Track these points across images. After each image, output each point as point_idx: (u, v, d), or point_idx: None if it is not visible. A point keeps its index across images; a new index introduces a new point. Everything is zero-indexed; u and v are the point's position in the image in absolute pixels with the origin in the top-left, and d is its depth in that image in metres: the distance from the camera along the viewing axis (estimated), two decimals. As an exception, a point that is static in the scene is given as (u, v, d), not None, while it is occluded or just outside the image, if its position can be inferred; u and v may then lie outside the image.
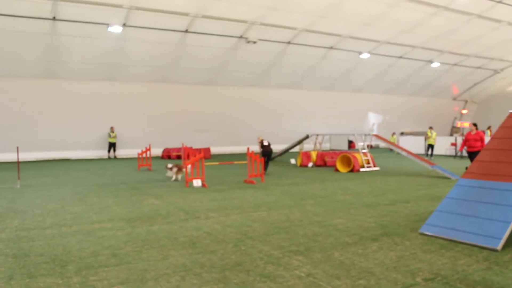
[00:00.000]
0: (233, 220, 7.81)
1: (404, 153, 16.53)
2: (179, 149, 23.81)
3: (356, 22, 23.10)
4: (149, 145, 18.61)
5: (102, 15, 19.33)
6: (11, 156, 19.98)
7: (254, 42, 23.37)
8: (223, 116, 28.12)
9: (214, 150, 26.81)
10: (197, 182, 12.44)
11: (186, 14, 20.36)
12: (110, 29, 20.25)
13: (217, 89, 27.86)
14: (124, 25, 20.24)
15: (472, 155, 13.90)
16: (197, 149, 20.10)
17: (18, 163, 14.28)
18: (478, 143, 13.82)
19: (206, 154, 23.59)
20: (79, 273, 5.03)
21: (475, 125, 14.24)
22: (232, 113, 28.41)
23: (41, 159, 23.63)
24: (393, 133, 24.79)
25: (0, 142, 20.70)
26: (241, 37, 23.20)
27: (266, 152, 16.03)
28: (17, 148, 14.29)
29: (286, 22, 22.36)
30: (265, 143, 16.22)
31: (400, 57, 29.02)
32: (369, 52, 27.38)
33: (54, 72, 22.76)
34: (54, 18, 19.00)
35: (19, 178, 13.74)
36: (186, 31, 21.78)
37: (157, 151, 24.94)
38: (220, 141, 28.30)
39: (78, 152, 24.70)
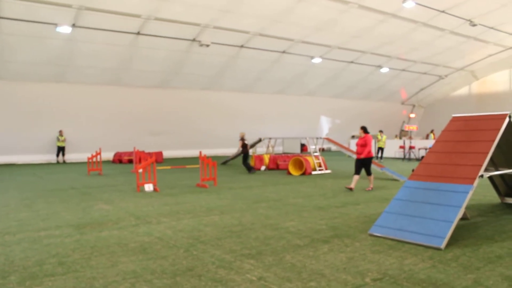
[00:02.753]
0: (185, 224, 7.74)
1: (354, 156, 16.88)
2: (130, 153, 23.38)
3: (308, 27, 23.47)
4: (100, 149, 18.17)
5: (50, 15, 18.70)
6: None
7: (207, 45, 23.31)
8: (176, 119, 27.88)
9: (167, 154, 26.51)
10: (148, 187, 12.26)
11: (138, 16, 20.05)
12: (59, 29, 19.64)
13: (170, 92, 27.60)
14: (73, 25, 19.69)
15: (359, 163, 12.08)
16: (148, 153, 19.83)
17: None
18: (364, 149, 11.93)
19: (158, 158, 23.29)
20: (22, 283, 4.85)
21: (362, 128, 12.31)
22: (185, 116, 28.21)
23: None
24: (381, 131, 24.84)
25: None
26: (194, 40, 23.09)
27: (247, 152, 16.51)
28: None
29: (239, 26, 22.45)
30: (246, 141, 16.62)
31: (351, 62, 29.72)
32: (320, 57, 27.88)
33: (0, 72, 21.83)
34: (-2, 17, 18.25)
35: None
36: (138, 33, 21.45)
37: (108, 155, 24.41)
38: (173, 145, 28.03)
39: (25, 157, 23.82)
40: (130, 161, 23.16)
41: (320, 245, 6.25)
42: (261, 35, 23.74)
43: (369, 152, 12.01)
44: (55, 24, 19.40)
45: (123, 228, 7.47)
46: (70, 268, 5.35)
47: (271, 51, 25.94)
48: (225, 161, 22.66)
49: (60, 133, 24.40)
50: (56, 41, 20.71)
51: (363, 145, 12.05)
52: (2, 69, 21.65)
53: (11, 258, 5.81)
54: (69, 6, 18.36)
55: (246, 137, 18.05)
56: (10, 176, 17.16)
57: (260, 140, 21.26)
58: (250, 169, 17.71)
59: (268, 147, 22.10)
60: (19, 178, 16.24)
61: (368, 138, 12.09)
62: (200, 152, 13.65)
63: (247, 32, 23.35)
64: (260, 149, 24.20)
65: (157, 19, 20.45)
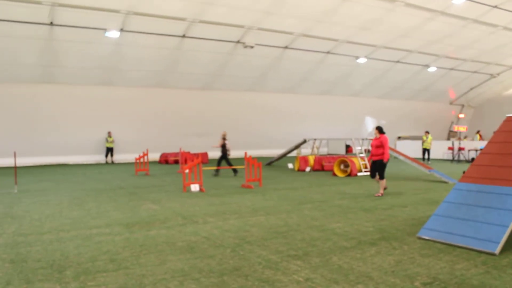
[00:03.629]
0: (231, 224, 7.80)
1: (401, 158, 16.54)
2: (176, 154, 23.80)
3: (353, 26, 23.20)
4: (147, 150, 18.60)
5: (100, 20, 19.35)
6: (8, 161, 19.93)
7: (252, 47, 23.43)
8: (220, 120, 28.09)
9: (212, 154, 26.77)
10: (195, 187, 12.43)
11: (183, 19, 20.40)
12: (108, 34, 20.26)
13: (215, 94, 27.89)
14: (121, 30, 20.27)
15: (374, 165, 11.47)
16: (194, 154, 20.10)
17: (15, 168, 14.24)
18: (380, 150, 11.30)
19: (203, 159, 23.58)
20: (77, 278, 5.02)
21: (378, 128, 11.70)
22: (229, 117, 28.41)
23: (39, 164, 23.58)
24: (427, 132, 24.22)
25: (8, 146, 20.64)
26: (238, 42, 23.26)
27: (225, 153, 16.57)
28: (14, 153, 14.27)
29: (283, 27, 22.44)
30: (227, 142, 16.60)
31: (397, 61, 29.13)
32: (366, 57, 27.48)
33: (52, 76, 22.76)
34: (51, 23, 19.01)
35: (16, 183, 13.71)
36: (184, 36, 21.81)
37: (154, 156, 24.93)
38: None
39: (76, 157, 24.65)
40: (176, 162, 23.56)
41: (367, 247, 6.16)
42: (305, 35, 23.64)
43: (385, 154, 11.18)
44: (104, 29, 20.03)
45: (171, 228, 7.61)
46: (120, 265, 5.50)
47: (315, 51, 25.78)
48: (270, 162, 22.69)
49: (109, 134, 25.13)
50: (105, 45, 21.38)
51: (378, 146, 11.35)
52: (54, 73, 22.55)
53: (66, 254, 6.03)
54: (117, 11, 18.93)
55: (227, 136, 17.77)
56: (63, 176, 17.81)
57: (304, 141, 21.17)
58: (217, 171, 17.21)
59: (313, 148, 21.97)
60: (70, 178, 16.84)
61: (384, 138, 11.36)
62: (246, 153, 13.73)
63: (291, 33, 23.31)
64: (304, 150, 24.11)
65: (201, 21, 20.73)
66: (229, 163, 16.93)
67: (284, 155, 22.94)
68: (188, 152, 20.05)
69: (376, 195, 11.26)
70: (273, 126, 29.89)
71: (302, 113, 31.09)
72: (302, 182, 14.75)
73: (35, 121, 23.09)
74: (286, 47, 24.85)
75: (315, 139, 21.68)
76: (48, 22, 18.89)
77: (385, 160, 11.22)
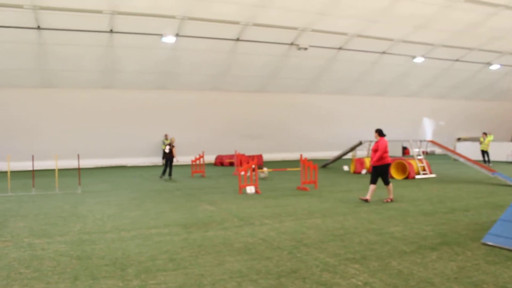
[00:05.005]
0: (288, 227, 7.81)
1: (462, 160, 15.96)
2: (231, 156, 24.06)
3: (409, 25, 22.61)
4: (203, 152, 18.93)
5: (156, 26, 19.94)
6: (72, 163, 20.87)
7: (305, 49, 23.34)
8: (274, 123, 28.21)
9: (266, 157, 26.91)
10: (250, 189, 12.53)
11: (237, 23, 20.64)
12: (164, 39, 20.83)
13: (269, 96, 28.00)
14: (177, 35, 20.77)
15: (375, 171, 10.68)
16: (250, 156, 20.26)
17: (79, 170, 14.89)
18: (378, 154, 10.54)
19: (258, 161, 23.70)
20: (138, 276, 5.20)
21: (377, 131, 10.98)
22: (283, 120, 28.45)
23: (99, 166, 24.52)
24: (484, 133, 23.26)
25: (63, 149, 21.65)
26: (292, 44, 23.25)
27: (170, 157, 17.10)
28: (78, 155, 14.93)
29: (337, 28, 22.21)
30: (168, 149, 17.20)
31: (456, 60, 28.10)
32: (423, 56, 26.71)
33: (111, 82, 23.68)
34: (111, 31, 19.78)
35: (79, 184, 14.34)
36: (237, 39, 22.06)
37: (210, 158, 25.32)
38: (272, 148, 28.37)
39: (133, 159, 25.47)
40: (231, 164, 23.82)
41: (428, 252, 5.99)
42: (359, 36, 23.30)
43: (382, 158, 10.48)
44: (161, 35, 20.62)
45: (227, 229, 7.71)
46: (180, 264, 5.63)
47: (370, 52, 25.35)
48: (325, 164, 22.51)
49: (165, 137, 25.77)
50: (161, 50, 21.98)
51: (375, 150, 10.69)
52: (113, 78, 23.46)
53: (127, 252, 6.25)
54: (173, 17, 19.43)
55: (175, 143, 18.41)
56: (122, 177, 18.45)
57: (360, 143, 20.83)
58: (163, 173, 17.61)
59: (368, 150, 21.58)
60: (129, 179, 17.42)
61: (381, 142, 10.65)
62: (301, 155, 13.70)
63: (345, 34, 23.04)
64: (360, 152, 23.72)
65: (255, 24, 20.89)
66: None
67: (339, 157, 22.67)
68: (243, 154, 20.21)
69: (385, 200, 10.69)
70: (327, 128, 29.64)
71: (357, 114, 30.62)
72: (358, 184, 14.53)
73: (96, 125, 24.07)
74: (340, 48, 24.59)
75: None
76: (108, 29, 19.67)
77: (371, 163, 10.64)
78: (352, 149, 21.56)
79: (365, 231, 7.34)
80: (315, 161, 14.87)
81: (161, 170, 21.71)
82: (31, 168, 16.72)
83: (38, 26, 18.76)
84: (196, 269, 5.42)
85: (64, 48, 20.25)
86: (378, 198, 11.02)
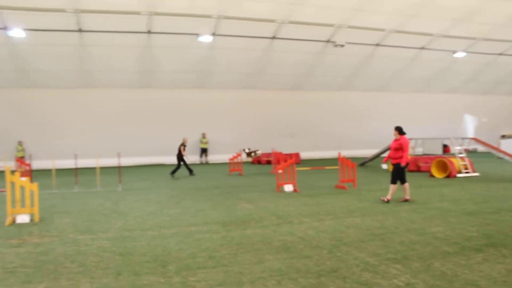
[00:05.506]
0: (327, 225, 7.76)
1: (507, 158, 15.43)
2: (269, 154, 24.10)
3: (449, 19, 22.00)
4: (240, 151, 19.01)
5: (193, 26, 20.15)
6: (112, 161, 21.34)
7: (342, 46, 23.08)
8: (311, 121, 28.06)
9: (304, 155, 26.79)
10: (288, 187, 12.52)
11: (272, 21, 20.64)
12: (200, 38, 21.04)
13: (305, 94, 27.87)
14: (213, 34, 20.93)
15: (394, 169, 10.50)
16: (287, 154, 20.23)
17: (119, 168, 15.22)
18: (399, 153, 10.38)
19: (296, 159, 23.62)
20: (179, 273, 5.27)
21: (397, 129, 10.68)
22: (320, 117, 28.25)
23: (138, 164, 25.00)
24: None
25: (104, 148, 22.19)
26: (328, 41, 23.06)
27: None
28: (119, 154, 15.27)
29: (374, 24, 21.88)
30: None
31: (500, 54, 27.17)
32: (464, 51, 25.96)
33: (149, 81, 24.10)
34: (149, 32, 20.13)
35: (120, 182, 14.67)
36: (273, 37, 22.05)
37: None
38: (309, 146, 28.23)
39: (171, 157, 25.77)
40: (268, 162, 23.85)
41: (473, 253, 5.81)
42: (397, 31, 22.88)
43: (404, 157, 10.24)
44: (197, 34, 20.83)
45: (266, 227, 7.72)
46: (219, 262, 5.68)
47: (409, 48, 24.85)
48: (363, 163, 22.24)
49: (203, 135, 26.05)
50: (198, 50, 22.21)
51: (397, 148, 10.43)
52: (151, 78, 23.87)
53: (168, 249, 6.35)
54: (209, 16, 19.61)
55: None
56: (161, 175, 18.76)
57: (398, 141, 20.44)
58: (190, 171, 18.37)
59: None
60: (168, 178, 17.69)
61: (404, 140, 10.39)
62: (339, 153, 13.57)
63: (382, 30, 22.68)
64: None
65: (291, 22, 20.83)
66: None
67: (377, 156, 22.34)
68: (280, 153, 20.20)
69: (401, 200, 10.41)
70: (365, 126, 29.24)
71: (395, 111, 30.00)
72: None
73: (135, 124, 24.54)
74: (377, 45, 24.22)
75: (410, 139, 20.86)
76: (146, 30, 20.02)
77: (402, 164, 10.31)
78: (391, 147, 21.20)
79: (406, 231, 7.20)
80: (353, 159, 14.68)
81: (198, 167, 21.95)
82: (73, 166, 17.25)
83: (80, 29, 19.29)
84: (236, 267, 5.45)
85: (104, 49, 20.77)
86: (399, 197, 10.79)
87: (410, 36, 23.51)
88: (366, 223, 7.88)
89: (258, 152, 20.72)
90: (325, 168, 18.19)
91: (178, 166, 17.92)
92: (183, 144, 18.15)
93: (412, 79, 28.88)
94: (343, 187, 12.96)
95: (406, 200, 10.33)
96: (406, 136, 10.61)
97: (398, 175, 10.41)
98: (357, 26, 21.88)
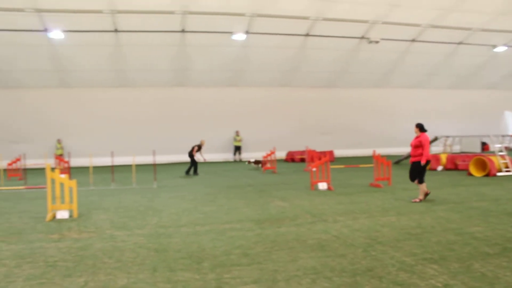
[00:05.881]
0: (361, 224, 7.67)
1: (549, 155, 14.87)
2: (302, 152, 24.00)
3: (488, 12, 21.34)
4: (274, 148, 19.01)
5: (226, 24, 20.28)
6: (147, 159, 21.68)
7: (377, 42, 22.75)
8: (345, 118, 27.77)
9: (337, 153, 26.54)
10: (322, 185, 12.44)
11: (306, 18, 20.53)
12: (234, 37, 21.12)
13: (339, 92, 27.60)
14: (246, 32, 20.98)
15: (412, 167, 10.27)
16: (321, 152, 20.10)
17: (154, 165, 15.45)
18: (419, 151, 10.08)
19: (330, 157, 23.46)
20: (213, 270, 5.31)
21: (418, 126, 10.43)
22: (354, 115, 27.94)
23: (172, 162, 25.30)
24: None
25: (139, 146, 22.59)
26: (362, 37, 22.77)
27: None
28: (153, 151, 15.50)
29: (410, 19, 21.47)
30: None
31: (543, 48, 26.23)
32: (505, 45, 25.13)
33: (183, 80, 24.37)
34: (183, 30, 20.35)
35: (155, 179, 14.89)
36: (307, 34, 21.94)
37: (281, 154, 25.37)
38: (343, 144, 27.92)
39: (206, 155, 26.01)
40: (302, 160, 23.76)
41: (515, 255, 5.63)
42: (434, 26, 22.37)
43: (424, 155, 9.96)
44: (231, 33, 20.92)
45: (300, 225, 7.70)
46: (253, 260, 5.69)
47: (446, 43, 24.27)
48: (398, 161, 21.85)
49: (237, 133, 26.17)
50: (232, 48, 22.31)
51: (417, 146, 10.15)
52: (184, 77, 24.15)
53: (202, 246, 6.42)
54: (242, 14, 19.67)
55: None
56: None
57: (436, 139, 20.02)
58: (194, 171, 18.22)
59: (444, 145, 20.71)
60: (202, 175, 17.85)
61: (424, 138, 10.10)
62: (374, 151, 13.40)
63: (418, 25, 22.23)
64: (435, 148, 22.78)
65: (325, 19, 20.68)
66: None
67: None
68: (314, 150, 20.08)
69: (413, 200, 10.09)
70: (400, 123, 28.67)
71: (431, 108, 29.33)
72: (434, 181, 13.95)
73: (169, 122, 24.86)
74: (413, 40, 23.75)
75: (447, 136, 20.41)
76: (180, 29, 20.25)
77: (422, 162, 9.99)
78: (427, 144, 20.74)
79: (443, 231, 7.04)
80: (388, 157, 14.48)
81: (231, 165, 22.09)
82: (110, 164, 17.62)
83: (116, 29, 19.69)
84: (270, 265, 5.45)
85: (138, 48, 21.13)
86: (434, 197, 10.54)
87: (447, 31, 22.95)
88: (401, 222, 7.75)
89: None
90: (360, 166, 17.96)
91: (193, 163, 17.99)
92: (198, 145, 18.18)
93: (449, 75, 28.18)
94: (378, 186, 12.78)
95: (420, 200, 10.08)
96: (427, 133, 10.38)
97: (417, 173, 10.18)
98: (392, 22, 21.52)
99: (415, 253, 5.80)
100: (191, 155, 18.00)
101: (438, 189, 12.11)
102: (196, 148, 18.09)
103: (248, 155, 26.52)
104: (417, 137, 10.32)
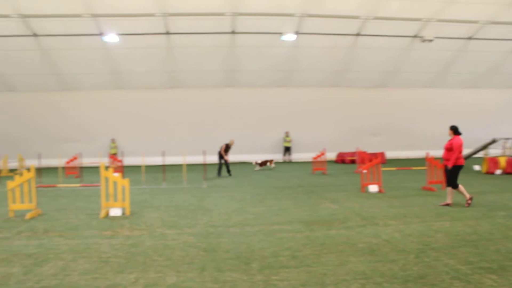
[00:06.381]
0: (413, 229, 7.45)
1: None
2: (353, 154, 23.66)
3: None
4: (324, 149, 18.85)
5: (276, 25, 20.26)
6: (197, 159, 22.01)
7: (430, 41, 22.02)
8: (397, 119, 27.07)
9: (389, 154, 25.97)
10: (373, 188, 12.20)
11: (357, 17, 20.21)
12: (283, 37, 21.09)
13: (390, 92, 26.93)
14: (296, 32, 20.89)
15: (446, 171, 9.99)
16: (372, 154, 19.74)
17: (204, 165, 15.65)
18: (450, 154, 9.76)
19: (381, 158, 22.95)
20: (261, 271, 5.31)
21: (452, 128, 10.07)
22: (406, 116, 27.17)
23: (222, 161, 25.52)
24: None
25: (189, 146, 22.94)
26: (415, 36, 22.14)
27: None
28: (204, 151, 15.72)
29: (466, 16, 20.62)
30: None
31: None
32: None
33: (233, 80, 24.56)
34: (233, 32, 20.52)
35: (205, 178, 15.08)
36: (357, 34, 21.57)
37: (331, 155, 25.11)
38: (395, 146, 27.25)
39: (255, 156, 26.13)
40: (353, 162, 23.42)
41: None
42: (492, 23, 21.40)
43: (452, 158, 9.64)
44: (280, 33, 20.89)
45: (350, 228, 7.57)
46: (302, 262, 5.65)
47: (506, 40, 23.12)
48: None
49: (287, 134, 26.11)
50: (281, 49, 22.27)
51: (448, 149, 9.84)
52: (234, 78, 24.31)
53: (251, 247, 6.43)
54: (292, 15, 19.60)
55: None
56: (244, 173, 19.04)
57: (494, 141, 19.17)
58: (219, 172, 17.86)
59: (504, 148, 19.81)
60: (251, 175, 17.93)
61: (456, 140, 9.78)
62: (427, 153, 13.01)
63: (475, 22, 21.35)
64: (493, 151, 21.85)
65: (376, 18, 20.26)
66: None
67: (469, 156, 21.10)
68: (365, 152, 19.73)
69: (441, 204, 9.75)
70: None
71: (489, 109, 28.07)
72: (492, 186, 13.37)
73: (219, 123, 25.12)
74: (469, 38, 22.83)
75: (506, 139, 19.50)
76: (230, 31, 20.44)
77: (449, 166, 9.63)
78: (484, 147, 19.93)
79: (503, 239, 6.70)
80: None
81: (281, 166, 22.07)
82: (161, 163, 18.01)
83: (167, 31, 20.12)
84: (319, 268, 5.40)
85: (189, 50, 21.49)
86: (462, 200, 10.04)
87: (508, 27, 21.87)
88: (456, 228, 7.46)
89: (272, 165, 20.51)
90: (412, 168, 17.48)
91: (225, 164, 17.82)
92: (227, 144, 17.91)
93: (509, 74, 26.88)
94: (431, 189, 12.38)
95: (448, 205, 9.71)
96: (461, 136, 10.00)
97: (447, 177, 9.90)
98: (447, 19, 20.78)
99: (471, 261, 5.56)
100: (221, 154, 17.79)
101: (497, 194, 11.60)
102: (224, 146, 17.79)
103: (298, 156, 26.45)
104: (450, 140, 10.00)
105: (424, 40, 22.08)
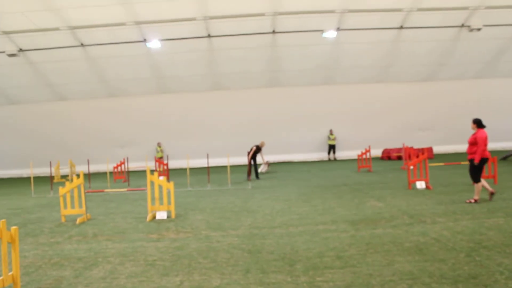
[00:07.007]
0: (464, 226, 7.18)
1: None
2: (399, 150, 23.14)
3: None
4: (369, 146, 18.54)
5: (317, 22, 20.07)
6: (241, 160, 22.10)
7: (478, 30, 21.20)
8: (445, 112, 26.23)
9: (437, 149, 25.23)
10: (420, 184, 11.88)
11: (399, 10, 19.71)
12: (325, 34, 20.87)
13: (437, 85, 26.11)
14: (337, 29, 20.63)
15: (470, 166, 9.63)
16: (419, 149, 19.23)
17: (249, 166, 15.67)
18: (474, 148, 9.42)
19: (429, 154, 22.35)
20: (306, 272, 5.27)
21: (475, 122, 9.60)
22: (454, 109, 26.27)
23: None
24: None
25: (234, 147, 23.08)
26: (462, 25, 21.37)
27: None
28: (248, 153, 15.76)
29: (517, 1, 19.76)
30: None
31: None
32: None
33: (276, 80, 24.53)
34: (273, 32, 20.52)
35: (249, 180, 15.12)
36: (401, 27, 21.06)
37: (376, 152, 24.66)
38: (443, 140, 26.42)
39: (299, 155, 26.02)
40: (399, 158, 22.93)
41: None
42: (545, 7, 20.39)
43: (477, 153, 9.27)
44: (321, 31, 20.69)
45: (397, 227, 7.39)
46: (347, 262, 5.56)
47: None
48: (506, 156, 20.28)
49: (330, 132, 25.86)
50: (323, 46, 22.04)
51: (472, 143, 9.49)
52: (276, 77, 24.26)
53: (296, 248, 6.39)
54: (332, 11, 19.37)
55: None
56: (289, 172, 18.99)
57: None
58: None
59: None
60: (296, 175, 17.84)
61: (479, 134, 9.35)
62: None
63: (527, 7, 20.39)
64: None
65: (420, 9, 19.70)
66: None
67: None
68: (412, 147, 19.24)
69: (468, 201, 9.31)
70: (507, 116, 26.56)
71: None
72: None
73: (262, 123, 25.14)
74: (521, 24, 21.84)
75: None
76: (271, 30, 20.44)
77: (475, 161, 9.19)
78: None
79: (562, 235, 6.37)
80: (493, 153, 13.43)
81: (326, 164, 21.88)
82: (206, 165, 18.21)
83: (209, 35, 20.35)
84: (364, 268, 5.30)
85: (231, 52, 21.65)
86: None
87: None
88: (510, 225, 7.13)
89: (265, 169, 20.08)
90: (461, 163, 16.87)
91: (254, 166, 17.43)
92: (257, 146, 17.56)
93: None
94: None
95: (476, 201, 9.30)
96: (485, 129, 9.56)
97: (471, 172, 9.55)
98: (496, 6, 19.91)
99: (528, 259, 5.30)
100: (253, 156, 17.33)
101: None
102: (254, 148, 17.36)
103: (342, 153, 26.14)
104: (473, 134, 9.61)
105: (471, 30, 21.26)
